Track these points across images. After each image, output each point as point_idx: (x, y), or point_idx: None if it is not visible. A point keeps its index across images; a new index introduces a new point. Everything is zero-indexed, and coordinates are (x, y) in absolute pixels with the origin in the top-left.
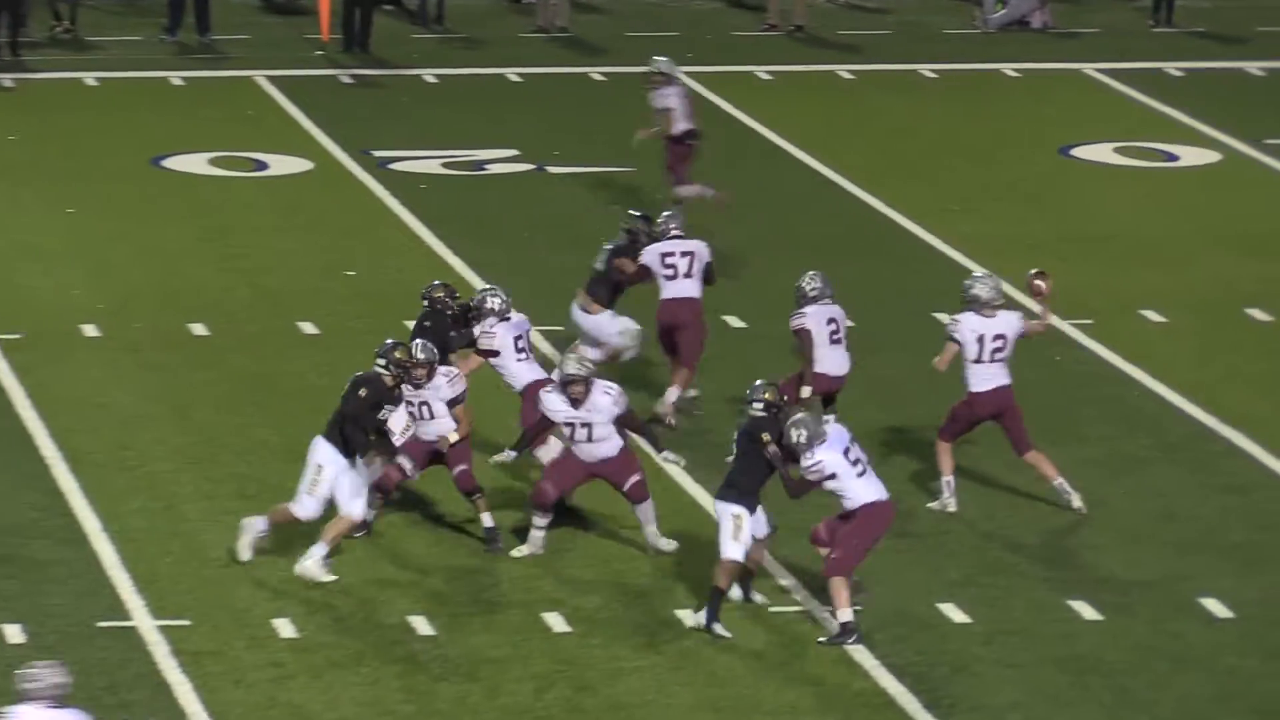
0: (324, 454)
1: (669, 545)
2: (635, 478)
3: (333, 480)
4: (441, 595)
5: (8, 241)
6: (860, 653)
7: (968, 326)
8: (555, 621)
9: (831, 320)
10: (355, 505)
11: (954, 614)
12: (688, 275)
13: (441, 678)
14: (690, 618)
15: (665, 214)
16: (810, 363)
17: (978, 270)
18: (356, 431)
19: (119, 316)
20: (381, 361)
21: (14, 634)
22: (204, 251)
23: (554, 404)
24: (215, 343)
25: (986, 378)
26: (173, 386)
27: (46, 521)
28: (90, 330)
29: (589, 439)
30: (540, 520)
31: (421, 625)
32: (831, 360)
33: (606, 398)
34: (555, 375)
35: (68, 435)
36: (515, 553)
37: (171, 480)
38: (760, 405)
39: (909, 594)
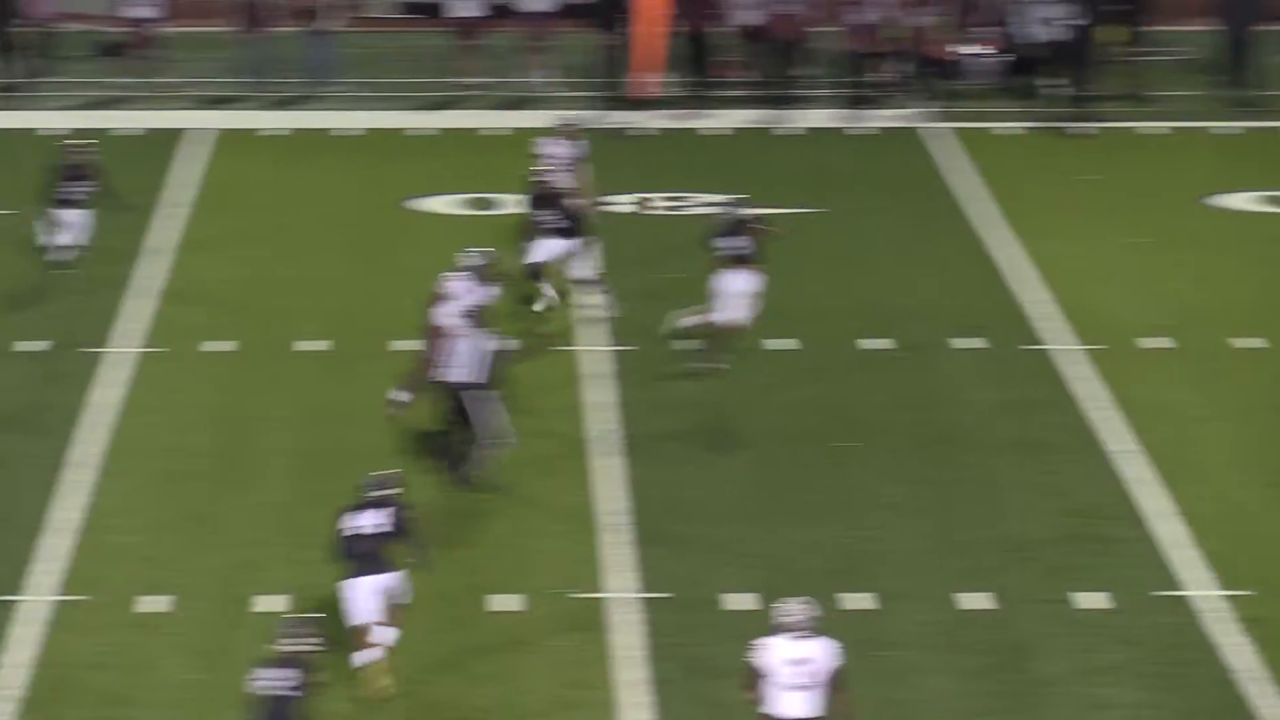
0: None
1: None
2: None
3: None
4: None
5: (1088, 267)
6: None
7: None
8: None
9: None
10: None
11: None
12: None
13: None
14: None
15: None
16: None
17: None
18: None
19: (1185, 331)
20: None
21: (1098, 600)
22: (1253, 276)
23: None
24: (1269, 354)
25: None
26: (1236, 392)
27: (1119, 504)
28: (1162, 343)
29: None
30: None
31: None
32: None
33: None
34: None
35: (1140, 431)
36: None
37: (1228, 468)
38: None
39: None
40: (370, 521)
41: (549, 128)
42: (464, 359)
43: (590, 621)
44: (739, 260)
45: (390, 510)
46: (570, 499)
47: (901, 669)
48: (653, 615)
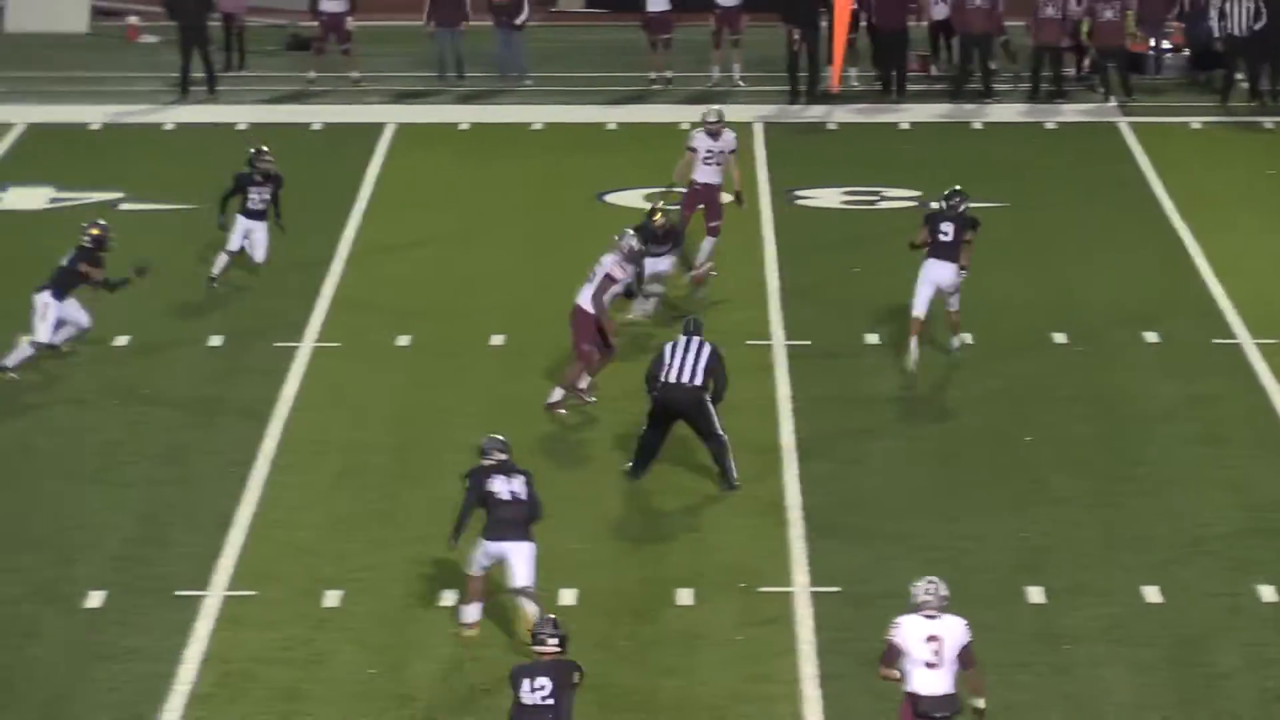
0: None
1: None
2: None
3: None
4: None
5: (1268, 261)
6: None
7: None
8: None
9: None
10: None
11: None
12: None
13: None
14: None
15: None
16: None
17: None
18: None
19: None
20: None
21: (1269, 594)
22: None
23: None
24: None
25: None
26: None
27: None
28: None
29: None
30: None
31: None
32: None
33: None
34: None
35: None
36: None
37: None
38: None
39: None
40: (505, 488)
41: (702, 120)
42: (678, 362)
43: (769, 615)
44: (945, 250)
45: (522, 479)
46: (750, 493)
47: (1077, 662)
48: (828, 609)
